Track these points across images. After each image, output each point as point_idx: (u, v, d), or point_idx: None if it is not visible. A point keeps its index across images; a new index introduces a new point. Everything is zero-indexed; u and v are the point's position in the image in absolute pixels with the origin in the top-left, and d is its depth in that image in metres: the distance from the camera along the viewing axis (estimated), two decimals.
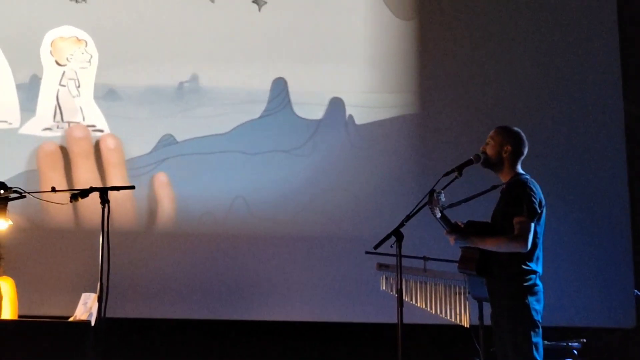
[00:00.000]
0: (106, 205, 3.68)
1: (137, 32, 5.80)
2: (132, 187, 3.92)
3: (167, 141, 5.80)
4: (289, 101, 5.96)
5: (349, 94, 6.01)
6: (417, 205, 4.16)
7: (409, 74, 5.99)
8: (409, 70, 5.99)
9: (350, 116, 6.00)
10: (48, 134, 5.66)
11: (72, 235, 5.58)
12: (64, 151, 5.67)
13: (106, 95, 5.76)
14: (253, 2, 5.93)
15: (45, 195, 3.85)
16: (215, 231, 5.75)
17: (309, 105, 5.99)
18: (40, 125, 5.65)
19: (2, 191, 3.75)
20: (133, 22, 5.79)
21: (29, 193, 3.79)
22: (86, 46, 5.70)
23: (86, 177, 5.57)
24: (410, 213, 4.16)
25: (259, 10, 5.95)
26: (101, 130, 5.69)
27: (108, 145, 5.63)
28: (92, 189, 3.76)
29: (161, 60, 5.82)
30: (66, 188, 5.45)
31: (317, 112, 5.99)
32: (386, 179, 5.92)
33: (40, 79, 5.68)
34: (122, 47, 5.77)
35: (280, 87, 5.95)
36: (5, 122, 5.65)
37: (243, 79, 5.92)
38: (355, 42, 6.01)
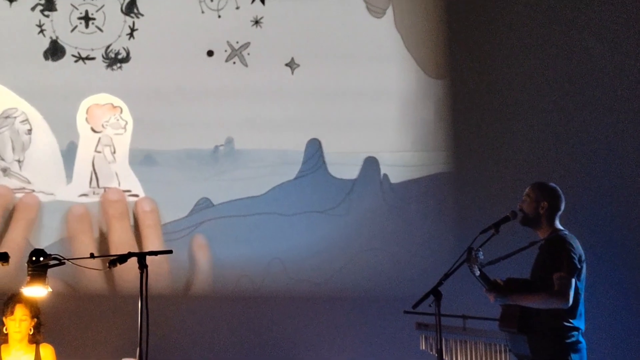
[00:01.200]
0: (144, 270, 3.71)
1: (172, 97, 5.91)
2: (170, 252, 3.96)
3: (204, 204, 5.86)
4: (324, 161, 6.01)
5: (383, 153, 6.05)
6: (455, 263, 4.15)
7: (443, 132, 6.02)
8: (442, 129, 6.03)
9: (385, 175, 6.03)
10: (84, 199, 5.75)
11: (109, 300, 5.62)
12: (95, 214, 5.74)
13: (142, 160, 5.85)
14: (286, 65, 6.03)
15: (83, 261, 3.90)
16: (253, 294, 5.77)
17: (344, 165, 6.03)
18: (77, 191, 5.74)
19: (41, 258, 3.81)
20: (168, 88, 5.90)
21: (67, 260, 3.84)
22: (121, 113, 5.82)
23: (121, 239, 5.63)
24: (449, 271, 4.15)
25: (292, 73, 6.04)
26: (137, 195, 5.77)
27: (144, 207, 5.70)
28: (130, 255, 3.80)
29: (196, 124, 5.91)
30: (96, 250, 5.51)
31: (351, 172, 6.03)
32: (423, 237, 5.91)
33: (77, 145, 5.79)
34: (158, 112, 5.87)
35: (314, 148, 6.01)
36: (50, 194, 5.76)
37: (278, 141, 5.99)
38: (389, 101, 6.07)
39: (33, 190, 5.68)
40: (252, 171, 5.95)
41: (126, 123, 5.81)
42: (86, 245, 5.52)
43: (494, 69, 6.08)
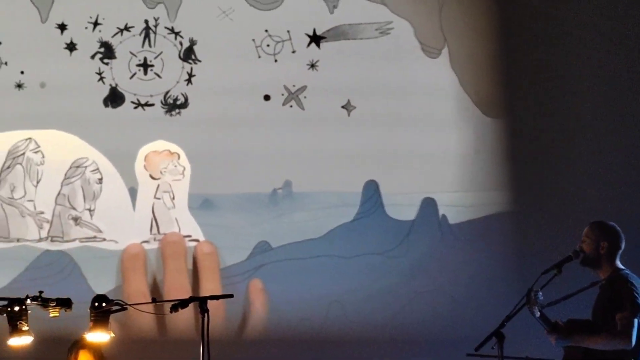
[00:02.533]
0: (205, 314, 3.78)
1: (230, 142, 6.02)
2: (230, 296, 4.03)
3: (263, 248, 5.94)
4: (382, 203, 6.06)
5: (441, 193, 6.08)
6: (516, 305, 4.16)
7: (502, 171, 6.03)
8: (501, 168, 6.04)
9: (444, 216, 6.05)
10: (145, 246, 5.87)
11: (170, 344, 5.68)
12: (153, 258, 5.85)
13: (201, 205, 5.96)
14: (343, 107, 6.13)
15: (144, 307, 4.00)
16: (313, 337, 5.81)
17: (401, 206, 6.07)
18: (138, 238, 5.86)
19: (103, 304, 3.92)
20: (226, 132, 6.02)
21: (130, 305, 3.95)
22: (179, 159, 5.95)
23: (175, 280, 5.71)
24: (511, 313, 4.15)
25: (349, 115, 6.13)
26: (197, 240, 5.88)
27: (203, 250, 5.79)
28: (191, 299, 3.89)
29: (254, 168, 6.01)
30: (148, 290, 5.61)
31: (409, 213, 6.06)
32: (483, 278, 5.91)
33: (137, 192, 5.93)
34: (216, 156, 5.99)
35: (372, 190, 6.07)
36: (113, 241, 5.89)
37: (335, 183, 6.06)
38: (445, 141, 6.11)
39: (104, 239, 5.83)
40: (310, 214, 6.02)
41: (184, 169, 5.94)
42: (137, 284, 5.64)
43: (553, 107, 6.09)
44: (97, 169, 5.85)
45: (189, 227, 5.90)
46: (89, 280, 5.77)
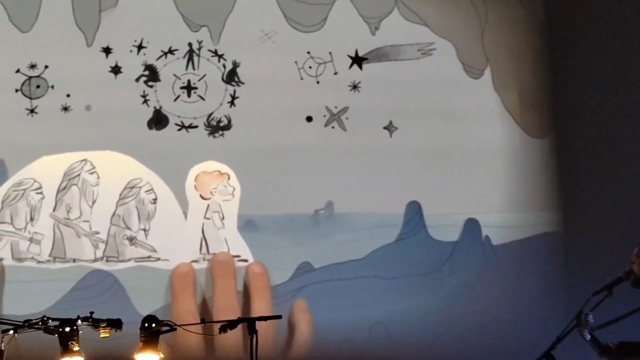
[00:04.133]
0: (254, 335, 3.80)
1: (272, 163, 6.06)
2: (279, 317, 4.05)
3: (305, 268, 5.96)
4: (424, 224, 6.06)
5: (484, 214, 6.07)
6: (567, 327, 4.13)
7: (546, 191, 6.01)
8: (546, 188, 6.02)
9: (487, 237, 6.04)
10: (195, 266, 5.92)
11: None
12: (202, 278, 5.89)
13: (244, 225, 6.00)
14: (385, 128, 6.14)
15: (194, 327, 4.02)
16: (355, 358, 5.80)
17: (444, 227, 6.07)
18: (187, 258, 5.91)
19: (154, 325, 3.95)
20: (268, 154, 6.06)
21: (179, 326, 3.97)
22: (228, 179, 6.00)
23: (224, 299, 5.72)
24: (561, 335, 4.12)
25: (390, 136, 6.15)
26: (245, 260, 5.91)
27: (254, 270, 5.81)
28: (240, 320, 3.91)
29: (297, 189, 6.03)
30: (197, 309, 5.63)
31: (452, 234, 6.05)
32: (528, 300, 5.88)
33: (186, 213, 5.97)
34: (258, 178, 6.03)
35: (414, 211, 6.07)
36: (166, 260, 5.94)
37: (377, 204, 6.07)
38: (488, 162, 6.10)
39: (158, 259, 5.88)
40: (352, 234, 6.04)
41: (233, 189, 5.99)
42: (186, 303, 5.67)
43: (599, 125, 6.06)
44: (152, 189, 5.91)
45: (238, 247, 5.94)
46: (133, 300, 5.82)
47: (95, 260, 5.83)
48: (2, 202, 5.79)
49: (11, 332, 3.96)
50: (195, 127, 6.08)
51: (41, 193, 5.83)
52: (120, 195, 5.88)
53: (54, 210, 5.84)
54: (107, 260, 5.83)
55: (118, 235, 5.86)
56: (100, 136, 5.97)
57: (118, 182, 5.88)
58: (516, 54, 6.13)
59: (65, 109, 6.00)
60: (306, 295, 5.90)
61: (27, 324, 3.94)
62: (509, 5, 6.17)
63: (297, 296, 5.89)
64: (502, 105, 6.15)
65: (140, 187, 5.91)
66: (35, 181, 5.84)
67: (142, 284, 5.85)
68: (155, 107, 6.10)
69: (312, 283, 5.94)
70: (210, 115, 6.11)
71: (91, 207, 5.87)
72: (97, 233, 5.84)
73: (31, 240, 5.80)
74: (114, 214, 5.88)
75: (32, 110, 5.99)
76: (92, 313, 4.08)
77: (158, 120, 6.08)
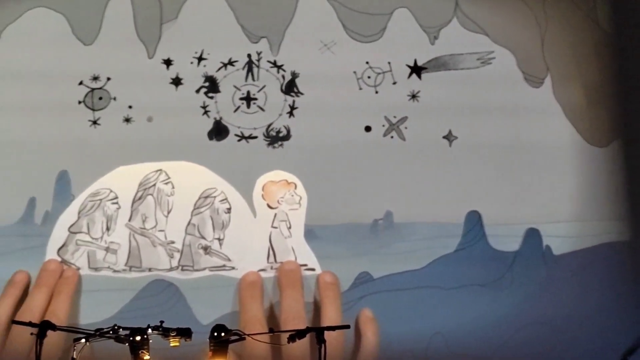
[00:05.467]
0: (323, 345, 3.81)
1: (330, 173, 6.07)
2: (347, 327, 4.04)
3: (364, 279, 5.95)
4: (484, 234, 6.04)
5: (545, 224, 6.03)
6: (638, 338, 4.09)
7: (612, 200, 5.95)
8: (610, 197, 5.96)
9: (548, 246, 5.99)
10: (262, 275, 5.95)
11: None
12: (269, 287, 5.92)
13: (304, 235, 6.01)
14: (444, 138, 6.15)
15: (262, 337, 4.04)
16: None
17: (505, 237, 6.03)
18: (254, 267, 5.94)
19: (223, 334, 3.98)
20: (326, 164, 6.07)
21: (248, 335, 3.99)
22: (295, 188, 6.02)
23: (291, 308, 5.74)
24: (633, 346, 4.08)
25: (450, 145, 6.15)
26: (313, 269, 5.92)
27: (325, 279, 5.81)
28: (308, 329, 3.92)
29: (355, 199, 6.04)
30: (265, 318, 5.65)
31: (513, 244, 6.01)
32: (591, 311, 5.81)
33: (254, 222, 6.02)
34: (316, 188, 6.05)
35: (474, 220, 6.05)
36: (225, 267, 6.00)
37: (437, 214, 6.06)
38: (549, 171, 6.05)
39: (233, 268, 5.92)
40: (412, 244, 6.03)
41: (300, 198, 6.02)
42: (254, 312, 5.68)
43: None
44: (226, 198, 5.96)
45: (305, 256, 5.96)
46: (193, 310, 5.87)
47: (171, 269, 5.88)
48: (79, 212, 5.88)
49: (82, 340, 4.02)
50: (255, 137, 6.12)
51: (117, 203, 5.91)
52: (195, 204, 5.94)
53: (129, 220, 5.91)
54: (182, 270, 5.89)
55: (193, 245, 5.91)
56: (161, 147, 6.05)
57: (192, 191, 5.94)
58: (578, 62, 6.09)
59: (128, 120, 6.08)
60: (365, 306, 5.89)
61: (98, 333, 4.00)
62: (569, 12, 6.13)
63: (356, 307, 5.89)
64: (564, 114, 6.12)
65: (214, 197, 5.96)
66: (111, 191, 5.92)
67: (202, 294, 5.90)
68: (215, 118, 6.16)
69: (371, 293, 5.93)
70: (269, 125, 6.16)
71: (166, 216, 5.93)
72: (173, 242, 5.89)
73: (107, 249, 5.88)
74: (189, 223, 5.93)
75: (94, 122, 6.08)
76: (162, 322, 4.13)
77: (218, 131, 6.14)
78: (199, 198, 6.02)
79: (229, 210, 5.99)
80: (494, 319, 5.83)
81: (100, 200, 5.99)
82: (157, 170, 6.06)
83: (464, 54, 6.16)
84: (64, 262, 5.91)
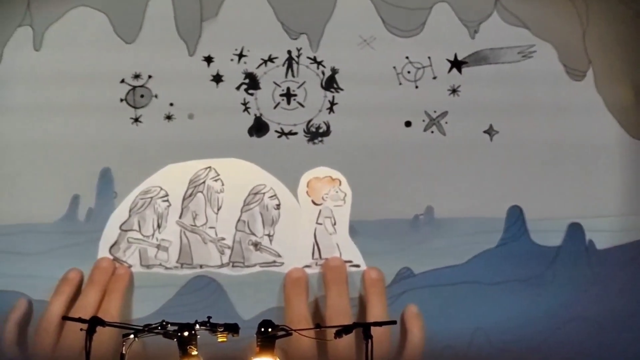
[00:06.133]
0: (369, 340, 3.81)
1: (371, 169, 6.09)
2: (394, 322, 4.05)
3: (405, 274, 5.97)
4: (526, 229, 6.01)
5: (588, 218, 6.00)
6: None
7: None
8: None
9: (591, 241, 5.96)
10: (307, 271, 5.98)
11: None
12: (314, 284, 5.95)
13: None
14: (485, 132, 6.12)
15: (309, 332, 4.06)
16: None
17: (547, 232, 6.01)
18: (300, 263, 5.98)
19: (270, 330, 4.00)
20: (366, 160, 6.09)
21: (295, 330, 4.01)
22: (340, 185, 6.05)
23: (336, 304, 5.75)
24: None
25: (491, 140, 6.11)
26: (357, 266, 5.95)
27: (371, 275, 5.84)
28: (355, 325, 3.93)
29: (396, 194, 6.05)
30: (310, 314, 5.68)
31: (555, 239, 5.99)
32: (634, 306, 5.78)
33: (300, 219, 6.05)
34: (357, 183, 6.06)
35: (516, 215, 6.03)
36: (275, 263, 6.02)
37: (478, 209, 6.05)
38: (591, 165, 6.03)
39: (283, 264, 5.96)
40: (453, 240, 6.03)
41: (345, 195, 6.04)
42: (300, 308, 5.72)
43: None
44: (275, 195, 6.01)
45: (350, 252, 5.99)
46: (235, 306, 5.91)
47: (222, 266, 5.94)
48: (130, 210, 5.96)
49: (131, 336, 4.07)
50: (295, 133, 6.15)
51: (167, 200, 5.99)
52: (244, 201, 5.99)
53: (180, 217, 5.99)
54: (233, 266, 5.94)
55: (243, 241, 5.97)
56: (203, 144, 6.09)
57: (242, 188, 5.99)
58: (620, 54, 6.04)
59: (169, 117, 6.13)
60: (406, 301, 5.90)
61: (147, 329, 4.05)
62: (611, 5, 6.08)
63: (397, 302, 5.89)
64: (606, 107, 6.07)
65: (264, 193, 6.01)
66: (161, 189, 6.00)
67: (243, 290, 5.93)
68: (255, 115, 6.19)
69: (412, 289, 5.95)
70: (309, 121, 6.17)
71: (216, 213, 5.99)
72: (223, 239, 5.95)
73: (159, 247, 5.95)
74: (238, 219, 5.99)
75: (136, 120, 6.14)
76: (209, 318, 4.16)
77: (259, 128, 6.17)
78: (249, 194, 6.06)
79: (278, 206, 6.02)
80: (536, 314, 5.80)
81: (151, 198, 6.04)
82: (206, 168, 6.10)
83: (504, 48, 6.12)
84: (116, 260, 5.96)
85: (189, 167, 6.03)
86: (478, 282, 5.96)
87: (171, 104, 6.13)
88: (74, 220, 6.03)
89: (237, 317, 5.74)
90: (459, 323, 5.87)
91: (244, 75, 6.20)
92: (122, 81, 6.13)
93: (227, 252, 5.96)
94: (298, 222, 5.99)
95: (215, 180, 6.03)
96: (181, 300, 5.91)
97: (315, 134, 6.17)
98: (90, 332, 4.01)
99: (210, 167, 6.04)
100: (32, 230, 5.98)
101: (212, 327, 4.13)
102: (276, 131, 6.16)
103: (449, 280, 5.97)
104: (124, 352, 4.01)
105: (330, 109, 6.19)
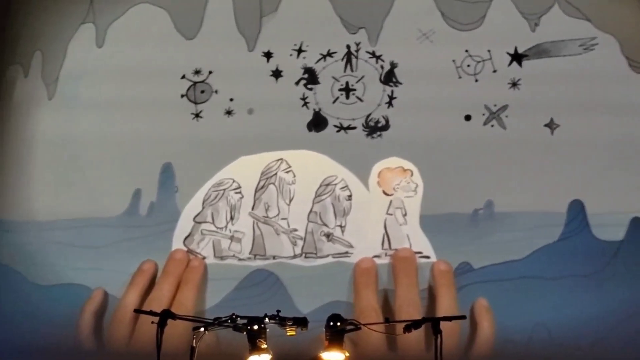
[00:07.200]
0: (439, 335, 3.83)
1: (428, 163, 6.07)
2: (463, 317, 4.06)
3: (464, 269, 5.97)
4: (587, 223, 5.97)
5: None
6: None
7: None
8: None
9: None
10: (376, 261, 6.00)
11: None
12: (384, 274, 5.96)
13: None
14: (545, 126, 6.09)
15: (378, 327, 4.09)
16: (516, 359, 5.76)
17: (609, 226, 5.98)
18: (369, 253, 6.01)
19: (339, 323, 4.03)
20: (426, 154, 6.08)
21: (364, 325, 4.04)
22: (411, 176, 6.06)
23: (406, 295, 5.76)
24: None
25: (552, 133, 6.08)
26: (427, 257, 5.95)
27: (440, 268, 5.85)
28: (424, 320, 3.95)
29: (456, 189, 6.05)
30: (379, 305, 5.69)
31: (617, 233, 5.95)
32: None
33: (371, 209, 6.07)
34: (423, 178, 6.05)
35: (577, 210, 5.99)
36: (346, 254, 6.06)
37: (538, 203, 6.03)
38: None
39: (352, 254, 5.98)
40: (513, 234, 6.01)
41: (416, 186, 6.05)
42: (369, 299, 5.75)
43: None
44: (346, 186, 6.05)
45: (420, 243, 5.99)
46: (294, 298, 5.95)
47: (295, 256, 6.00)
48: (204, 202, 6.05)
49: (202, 329, 4.13)
50: (354, 128, 6.18)
51: (240, 192, 6.06)
52: (316, 192, 6.04)
53: (252, 209, 6.06)
54: (305, 257, 6.00)
55: (315, 232, 6.02)
56: (262, 138, 6.14)
57: (313, 179, 6.03)
58: None
59: (229, 112, 6.20)
60: (466, 296, 5.89)
61: (217, 322, 4.10)
62: None
63: (457, 297, 5.87)
64: None
65: (335, 184, 6.05)
66: (234, 181, 6.07)
67: (301, 283, 5.97)
68: (314, 109, 6.22)
69: (471, 283, 5.95)
70: (368, 116, 6.19)
71: (288, 205, 6.06)
72: (295, 230, 6.01)
73: (232, 238, 6.03)
74: (310, 211, 6.04)
75: (197, 115, 6.21)
76: (279, 311, 4.21)
77: (317, 122, 6.21)
78: (320, 186, 6.11)
79: (349, 197, 6.05)
80: (597, 309, 5.78)
81: (224, 190, 6.13)
82: (278, 160, 6.17)
83: (565, 41, 6.09)
84: (189, 251, 6.06)
85: (261, 159, 6.09)
86: (538, 277, 5.95)
87: (231, 99, 6.20)
88: (136, 215, 6.12)
89: (296, 310, 5.77)
90: (519, 318, 5.87)
91: (303, 70, 6.25)
92: (183, 77, 6.21)
93: (300, 243, 6.01)
94: (369, 213, 6.01)
95: (287, 172, 6.09)
96: (240, 294, 5.97)
97: (374, 129, 6.19)
98: (161, 325, 4.08)
99: (281, 159, 6.10)
100: (97, 224, 6.11)
101: (281, 321, 4.18)
102: (335, 126, 6.19)
103: (508, 275, 5.97)
104: (194, 345, 4.07)
105: (389, 104, 6.21)
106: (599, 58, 6.10)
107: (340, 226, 6.08)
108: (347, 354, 4.11)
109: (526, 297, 5.91)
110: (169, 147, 6.21)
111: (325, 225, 6.07)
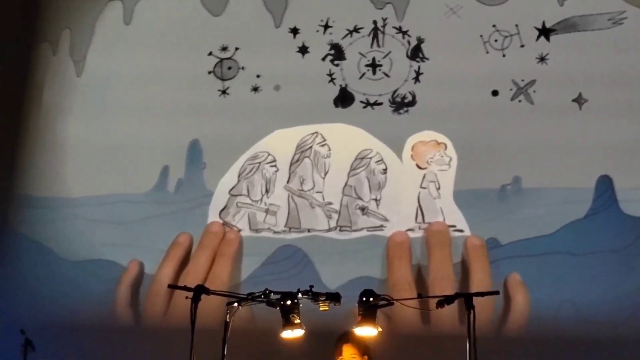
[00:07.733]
0: (472, 311, 3.84)
1: (457, 139, 6.06)
2: (496, 293, 4.08)
3: (492, 244, 5.97)
4: (616, 199, 5.95)
5: None
6: None
7: None
8: None
9: None
10: (410, 234, 6.01)
11: (433, 338, 5.75)
12: (418, 248, 5.98)
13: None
14: (573, 101, 6.06)
15: (411, 302, 4.11)
16: (544, 335, 5.77)
17: (637, 202, 5.94)
18: (403, 226, 6.03)
19: (371, 299, 4.05)
20: (452, 129, 6.07)
21: (396, 300, 4.06)
22: (445, 149, 6.06)
23: (439, 269, 5.78)
24: None
25: (580, 109, 6.05)
26: (461, 231, 5.96)
27: (474, 242, 5.86)
28: (457, 295, 3.96)
29: (483, 164, 6.04)
30: (412, 279, 5.69)
31: None
32: None
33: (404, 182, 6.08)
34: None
35: (605, 185, 5.97)
36: (381, 228, 6.07)
37: (566, 178, 6.02)
38: None
39: (386, 227, 6.00)
40: (540, 210, 6.01)
41: (450, 159, 6.05)
42: (402, 272, 5.76)
43: None
44: (382, 159, 6.06)
45: (454, 217, 5.99)
46: (321, 274, 5.97)
47: (329, 230, 6.03)
48: (239, 176, 6.09)
49: (235, 304, 4.15)
50: (380, 104, 6.17)
51: (275, 166, 6.10)
52: (351, 166, 6.06)
53: (287, 182, 6.09)
54: (340, 230, 6.02)
55: (350, 206, 6.05)
56: (290, 114, 6.15)
57: (348, 153, 6.05)
58: None
59: (255, 89, 6.21)
60: (494, 272, 5.89)
61: (250, 297, 4.13)
62: None
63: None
64: None
65: (370, 158, 6.07)
66: (269, 154, 6.11)
67: (328, 258, 5.99)
68: (341, 86, 6.22)
69: (499, 259, 5.96)
70: (395, 91, 6.18)
71: (323, 178, 6.08)
72: (330, 204, 6.04)
73: (267, 211, 6.06)
74: (345, 184, 6.07)
75: (224, 92, 6.23)
76: (312, 287, 4.23)
77: (344, 98, 6.21)
78: (355, 159, 6.13)
79: (385, 171, 6.06)
80: (626, 285, 5.77)
81: (259, 163, 6.16)
82: (313, 133, 6.18)
83: (594, 15, 6.06)
84: (225, 224, 6.09)
85: (296, 132, 6.10)
86: (565, 252, 5.94)
87: (258, 76, 6.20)
88: (164, 191, 6.16)
89: (323, 286, 5.79)
90: (547, 294, 5.87)
91: (329, 46, 6.24)
92: (210, 54, 6.22)
93: (335, 216, 6.03)
94: (403, 187, 6.02)
95: (322, 146, 6.10)
96: (267, 270, 6.00)
97: (401, 104, 6.19)
98: (195, 300, 4.10)
99: (317, 132, 6.11)
100: (126, 200, 6.15)
101: (314, 296, 4.20)
102: (361, 102, 6.18)
103: (536, 251, 5.96)
104: (227, 320, 4.09)
105: (416, 79, 6.21)
106: (628, 32, 6.05)
107: (375, 200, 6.09)
108: (380, 329, 4.13)
109: (554, 273, 5.91)
110: (197, 124, 6.24)
111: (360, 198, 6.08)
